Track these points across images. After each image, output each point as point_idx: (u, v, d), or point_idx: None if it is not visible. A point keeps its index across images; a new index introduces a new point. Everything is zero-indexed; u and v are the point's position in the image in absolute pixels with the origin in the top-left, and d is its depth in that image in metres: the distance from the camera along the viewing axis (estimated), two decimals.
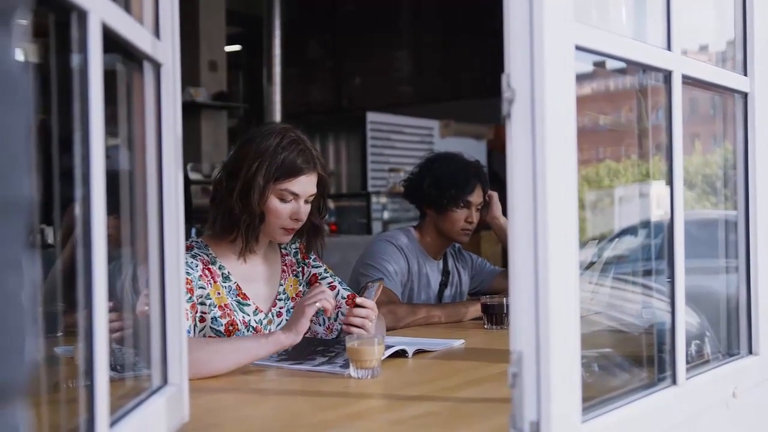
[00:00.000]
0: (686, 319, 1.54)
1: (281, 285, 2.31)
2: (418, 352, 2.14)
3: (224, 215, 2.17)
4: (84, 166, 1.00)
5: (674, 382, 1.49)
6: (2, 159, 0.50)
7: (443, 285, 3.10)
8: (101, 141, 1.01)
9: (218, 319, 2.12)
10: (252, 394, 1.75)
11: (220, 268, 2.19)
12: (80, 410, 1.02)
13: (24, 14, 0.57)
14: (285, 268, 2.34)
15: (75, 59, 1.00)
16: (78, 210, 1.00)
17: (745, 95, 1.78)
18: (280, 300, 2.29)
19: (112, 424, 1.07)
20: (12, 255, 0.51)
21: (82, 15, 0.99)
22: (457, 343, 2.31)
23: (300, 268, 2.37)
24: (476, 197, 2.98)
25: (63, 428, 1.10)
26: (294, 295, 2.32)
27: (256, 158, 2.13)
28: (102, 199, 1.01)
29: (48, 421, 1.14)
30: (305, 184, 2.17)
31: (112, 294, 1.06)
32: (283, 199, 2.16)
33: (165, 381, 1.35)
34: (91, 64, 1.00)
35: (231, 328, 2.14)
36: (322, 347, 2.10)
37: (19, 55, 0.55)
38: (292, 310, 2.27)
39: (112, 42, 1.09)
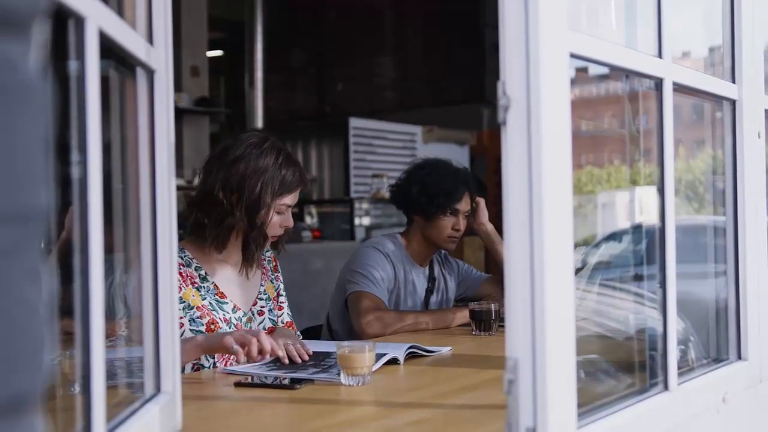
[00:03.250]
0: None
1: (262, 285, 2.39)
2: (410, 355, 2.14)
3: (228, 231, 2.22)
4: (81, 172, 0.99)
5: (666, 387, 1.50)
6: (24, 168, 0.49)
7: (429, 291, 3.10)
8: (98, 148, 1.01)
9: (197, 319, 2.18)
10: (244, 403, 1.74)
11: (196, 270, 2.24)
12: (75, 419, 1.01)
13: (41, 23, 0.56)
14: (264, 270, 2.42)
15: (72, 65, 1.00)
16: (75, 215, 1.00)
17: (733, 102, 1.79)
18: (261, 299, 2.37)
19: None
20: (31, 264, 0.50)
21: (80, 21, 0.98)
22: (446, 350, 2.31)
23: (275, 276, 2.47)
24: (464, 205, 2.98)
25: None
26: (271, 297, 2.41)
27: (258, 177, 2.20)
28: (98, 205, 1.00)
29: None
30: (297, 196, 2.31)
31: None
32: (279, 212, 2.26)
33: (158, 389, 1.34)
34: (88, 70, 0.99)
35: (213, 326, 2.20)
36: (313, 360, 2.09)
37: (37, 64, 0.55)
38: (272, 310, 2.39)
39: (106, 48, 1.09)
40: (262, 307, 2.36)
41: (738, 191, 1.80)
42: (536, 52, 1.14)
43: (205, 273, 2.24)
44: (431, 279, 3.11)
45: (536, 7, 1.13)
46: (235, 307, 2.27)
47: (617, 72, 1.59)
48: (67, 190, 1.01)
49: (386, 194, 3.20)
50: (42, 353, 0.52)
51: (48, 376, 0.53)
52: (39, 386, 0.52)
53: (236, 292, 2.30)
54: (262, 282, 2.39)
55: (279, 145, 2.29)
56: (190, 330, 2.16)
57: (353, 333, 2.76)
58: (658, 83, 1.50)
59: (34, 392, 0.51)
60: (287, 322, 2.43)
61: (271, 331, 2.36)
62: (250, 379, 1.88)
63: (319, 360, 2.09)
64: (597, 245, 2.27)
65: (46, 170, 0.53)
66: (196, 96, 7.63)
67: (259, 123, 8.28)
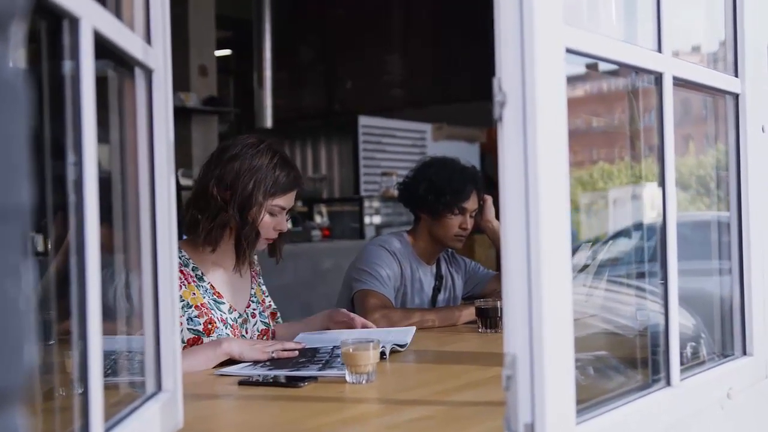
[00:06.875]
0: (681, 321, 1.54)
1: (252, 288, 2.42)
2: (393, 351, 2.17)
3: (220, 227, 2.24)
4: (77, 173, 0.99)
5: (668, 383, 1.49)
6: (4, 166, 0.50)
7: (437, 290, 3.09)
8: (93, 148, 1.01)
9: (195, 318, 2.20)
10: (246, 401, 1.75)
11: (193, 270, 2.27)
12: (74, 418, 1.02)
13: (21, 21, 0.57)
14: (254, 274, 2.46)
15: (66, 65, 1.00)
16: (71, 217, 1.00)
17: (736, 96, 1.78)
18: (253, 302, 2.40)
19: (107, 430, 1.07)
20: (11, 261, 0.51)
21: (74, 21, 0.98)
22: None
23: (260, 279, 2.50)
24: (471, 204, 2.98)
25: None
26: (260, 300, 2.44)
27: (251, 175, 2.22)
28: (95, 206, 1.01)
29: (42, 428, 1.13)
30: (292, 199, 2.32)
31: (105, 302, 1.06)
32: (272, 214, 2.28)
33: (159, 387, 1.35)
34: (83, 70, 0.99)
35: (210, 326, 2.22)
36: (304, 359, 2.08)
37: (16, 62, 0.55)
38: (262, 313, 2.41)
39: (103, 48, 1.09)
40: (254, 309, 2.40)
41: (742, 186, 1.79)
42: (531, 48, 1.14)
43: (201, 273, 2.28)
44: (439, 277, 3.11)
45: (531, 1, 1.13)
46: (231, 307, 2.30)
47: (624, 68, 1.58)
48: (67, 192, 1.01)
49: (395, 192, 3.19)
50: (23, 349, 0.52)
51: (29, 372, 0.54)
52: (20, 382, 0.52)
53: (230, 293, 2.33)
54: (252, 285, 2.43)
55: (276, 147, 2.31)
56: (188, 329, 2.18)
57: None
58: (658, 78, 1.50)
59: (15, 388, 0.51)
60: (262, 330, 2.42)
61: (264, 333, 2.40)
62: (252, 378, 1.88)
63: (311, 357, 2.09)
64: (606, 242, 2.26)
65: (26, 168, 0.53)
66: (204, 95, 7.63)
67: (268, 122, 8.28)
